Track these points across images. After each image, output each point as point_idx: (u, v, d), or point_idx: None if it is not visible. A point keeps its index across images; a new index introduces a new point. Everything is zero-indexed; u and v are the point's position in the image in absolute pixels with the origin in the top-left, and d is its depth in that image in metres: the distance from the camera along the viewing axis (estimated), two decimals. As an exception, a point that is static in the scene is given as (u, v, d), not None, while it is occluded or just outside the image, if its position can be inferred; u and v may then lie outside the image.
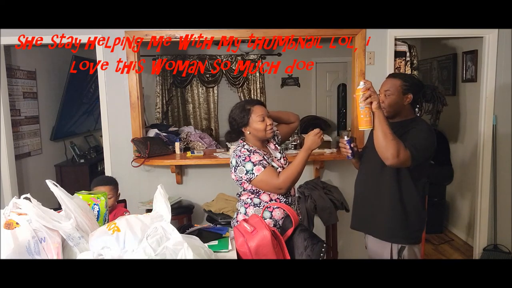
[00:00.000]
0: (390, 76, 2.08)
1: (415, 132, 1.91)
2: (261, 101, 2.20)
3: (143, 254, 1.34)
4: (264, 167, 2.03)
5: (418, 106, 2.07)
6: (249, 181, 2.05)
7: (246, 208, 2.13)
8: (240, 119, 2.11)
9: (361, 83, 1.82)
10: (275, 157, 2.17)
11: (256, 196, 2.11)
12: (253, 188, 2.09)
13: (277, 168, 2.09)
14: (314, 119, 5.69)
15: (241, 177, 2.06)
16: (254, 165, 2.02)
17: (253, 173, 2.02)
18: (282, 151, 2.24)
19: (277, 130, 2.32)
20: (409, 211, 1.98)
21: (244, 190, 2.13)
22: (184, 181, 3.41)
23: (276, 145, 2.25)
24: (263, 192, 2.09)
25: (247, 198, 2.13)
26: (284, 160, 2.20)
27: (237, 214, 2.19)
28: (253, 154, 2.06)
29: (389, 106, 1.99)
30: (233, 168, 2.09)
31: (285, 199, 2.12)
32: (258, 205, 2.11)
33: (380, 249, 2.04)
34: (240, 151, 2.09)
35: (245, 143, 2.15)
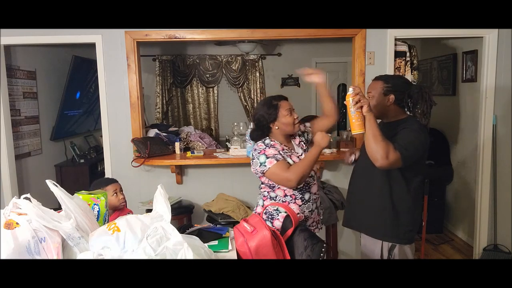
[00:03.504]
0: (374, 78, 2.11)
1: (405, 133, 1.92)
2: (285, 96, 2.20)
3: (143, 254, 1.34)
4: (277, 160, 2.04)
5: (406, 106, 2.08)
6: (263, 173, 2.07)
7: (264, 201, 2.17)
8: (268, 115, 2.11)
9: (350, 89, 1.87)
10: (297, 153, 2.18)
11: (272, 191, 2.13)
12: (270, 182, 2.12)
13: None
14: (314, 119, 5.69)
15: (257, 169, 2.09)
16: (267, 158, 2.05)
17: (265, 166, 2.05)
18: (307, 149, 2.23)
19: (310, 128, 2.31)
20: (400, 211, 1.99)
21: (262, 183, 2.16)
22: (184, 181, 3.41)
23: (302, 143, 2.24)
24: (278, 188, 2.11)
25: (265, 191, 2.17)
26: None
27: (256, 206, 2.23)
28: (269, 148, 2.09)
29: (372, 108, 2.00)
30: (252, 161, 2.13)
31: (301, 195, 2.12)
32: (275, 199, 2.13)
33: (372, 246, 2.07)
34: (257, 145, 2.14)
35: (267, 138, 2.17)
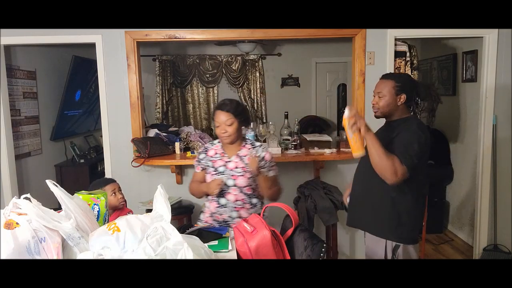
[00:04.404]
0: (383, 77, 2.09)
1: (406, 138, 1.91)
2: (227, 104, 2.18)
3: (143, 254, 1.34)
4: (196, 171, 2.35)
5: (414, 105, 2.09)
6: None
7: None
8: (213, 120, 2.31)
9: (346, 111, 1.87)
10: (228, 160, 2.24)
11: None
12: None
13: (217, 168, 2.24)
14: (314, 119, 5.69)
15: None
16: (195, 162, 2.36)
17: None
18: (247, 164, 2.20)
19: (267, 160, 2.24)
20: (401, 211, 1.99)
21: None
22: (184, 181, 3.40)
23: (252, 156, 2.19)
24: None
25: None
26: (233, 170, 2.20)
27: None
28: (202, 153, 2.33)
29: (382, 108, 2.01)
30: None
31: (217, 198, 2.23)
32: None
33: (375, 245, 2.07)
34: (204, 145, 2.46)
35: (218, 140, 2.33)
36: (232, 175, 2.21)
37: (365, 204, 2.09)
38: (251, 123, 2.54)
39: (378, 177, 1.99)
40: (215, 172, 2.24)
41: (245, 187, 2.21)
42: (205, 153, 2.32)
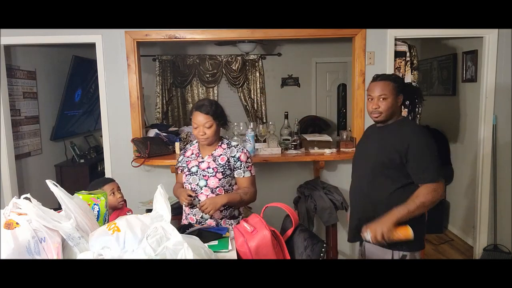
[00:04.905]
0: (381, 78, 2.01)
1: (417, 153, 1.88)
2: (206, 106, 2.14)
3: (143, 254, 1.34)
4: (177, 172, 2.36)
5: (408, 106, 2.09)
6: None
7: None
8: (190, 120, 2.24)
9: (367, 237, 1.86)
10: (202, 160, 2.22)
11: None
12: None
13: (190, 169, 2.22)
14: (314, 119, 5.69)
15: None
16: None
17: None
18: (219, 164, 2.19)
19: (244, 159, 2.21)
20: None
21: None
22: (184, 181, 3.41)
23: (225, 157, 2.19)
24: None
25: None
26: (205, 170, 2.18)
27: None
28: (182, 155, 2.32)
29: (386, 111, 1.96)
30: None
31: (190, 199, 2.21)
32: None
33: (380, 255, 2.01)
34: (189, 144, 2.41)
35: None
36: (204, 176, 2.18)
37: (368, 216, 1.98)
38: (230, 124, 2.48)
39: (375, 187, 1.97)
40: (188, 173, 2.22)
41: (216, 187, 2.17)
42: (184, 155, 2.32)
